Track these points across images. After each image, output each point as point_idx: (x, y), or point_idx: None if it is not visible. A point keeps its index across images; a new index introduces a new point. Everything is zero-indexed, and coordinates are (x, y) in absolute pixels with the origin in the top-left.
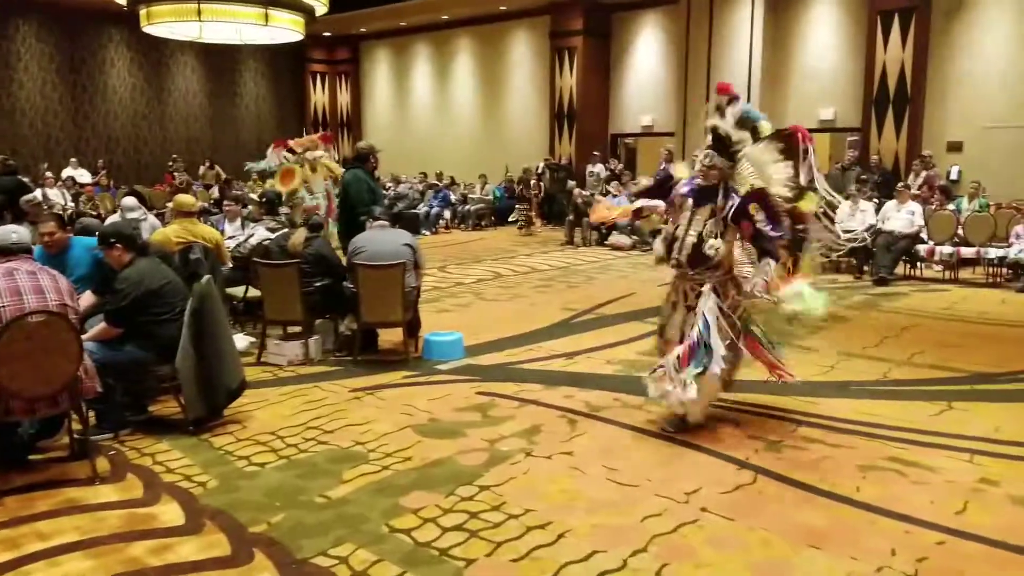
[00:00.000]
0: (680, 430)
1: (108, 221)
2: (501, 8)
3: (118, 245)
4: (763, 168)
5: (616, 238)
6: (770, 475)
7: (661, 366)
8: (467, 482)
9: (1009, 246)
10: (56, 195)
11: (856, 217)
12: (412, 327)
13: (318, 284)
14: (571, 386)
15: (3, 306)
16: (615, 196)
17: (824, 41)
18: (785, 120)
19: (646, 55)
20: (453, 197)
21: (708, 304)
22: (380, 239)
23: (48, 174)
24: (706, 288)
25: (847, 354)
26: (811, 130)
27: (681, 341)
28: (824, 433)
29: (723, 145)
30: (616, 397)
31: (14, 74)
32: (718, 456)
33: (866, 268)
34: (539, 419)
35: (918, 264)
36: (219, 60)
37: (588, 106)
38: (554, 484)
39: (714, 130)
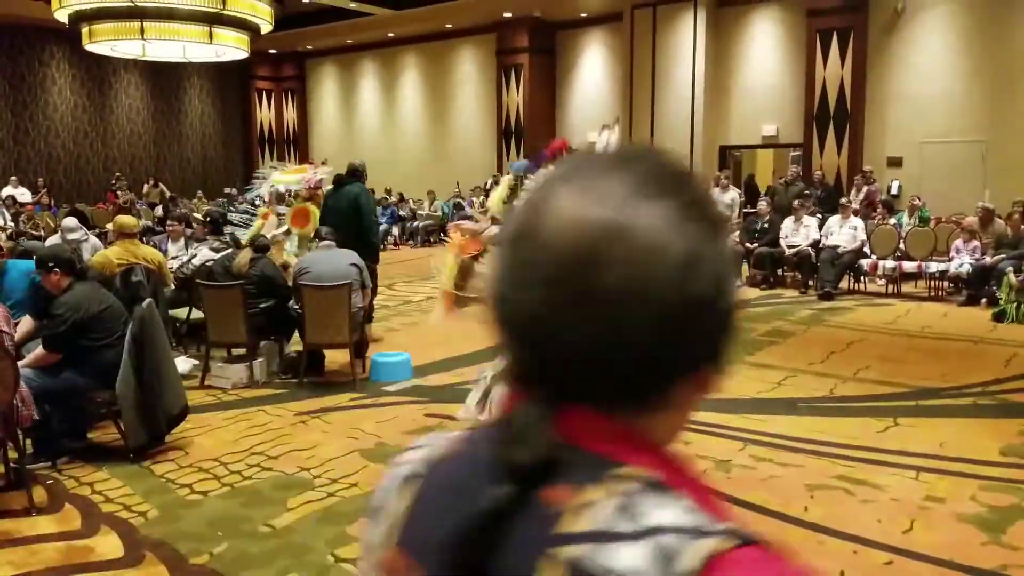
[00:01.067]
0: None
1: (48, 241)
2: (447, 26)
3: (56, 269)
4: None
5: None
6: (719, 496)
7: None
8: None
9: (950, 260)
10: None
11: (800, 232)
12: (359, 348)
13: (263, 305)
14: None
15: None
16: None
17: (765, 58)
18: (730, 137)
19: (591, 72)
20: (402, 213)
21: None
22: (326, 259)
23: None
24: None
25: (794, 370)
26: (754, 146)
27: None
28: (773, 452)
29: None
30: None
31: None
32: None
33: (811, 283)
34: None
35: (862, 278)
36: (163, 78)
37: (535, 123)
38: None
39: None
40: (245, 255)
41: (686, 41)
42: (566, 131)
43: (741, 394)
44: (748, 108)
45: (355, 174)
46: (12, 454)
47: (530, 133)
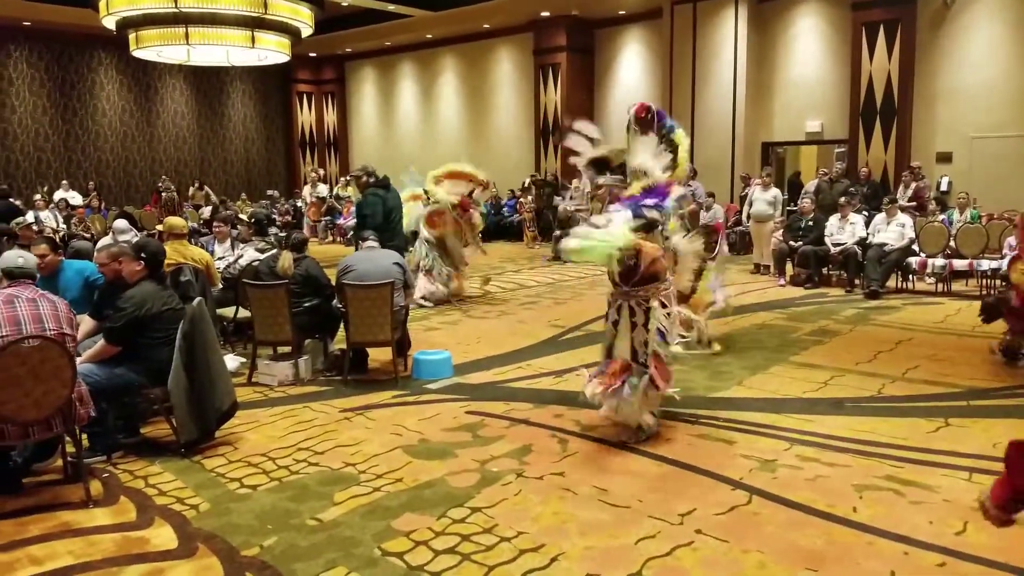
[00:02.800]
0: (643, 440)
1: (100, 243)
2: (484, 26)
3: (143, 260)
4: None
5: None
6: (765, 495)
7: (598, 371)
8: (458, 504)
9: (1002, 258)
10: (48, 217)
11: (846, 230)
12: (401, 346)
13: (307, 304)
14: (561, 405)
15: (2, 336)
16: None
17: (809, 53)
18: (773, 134)
19: (630, 70)
20: None
21: (658, 316)
22: (369, 259)
23: (37, 197)
24: (654, 304)
25: (840, 369)
26: (798, 142)
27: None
28: (819, 451)
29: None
30: (606, 415)
31: (6, 98)
32: (711, 476)
33: (857, 281)
34: (529, 439)
35: (910, 277)
36: (207, 82)
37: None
38: (546, 506)
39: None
40: (288, 256)
41: (727, 37)
42: (605, 130)
43: (786, 394)
44: (791, 104)
45: (384, 183)
46: (70, 448)
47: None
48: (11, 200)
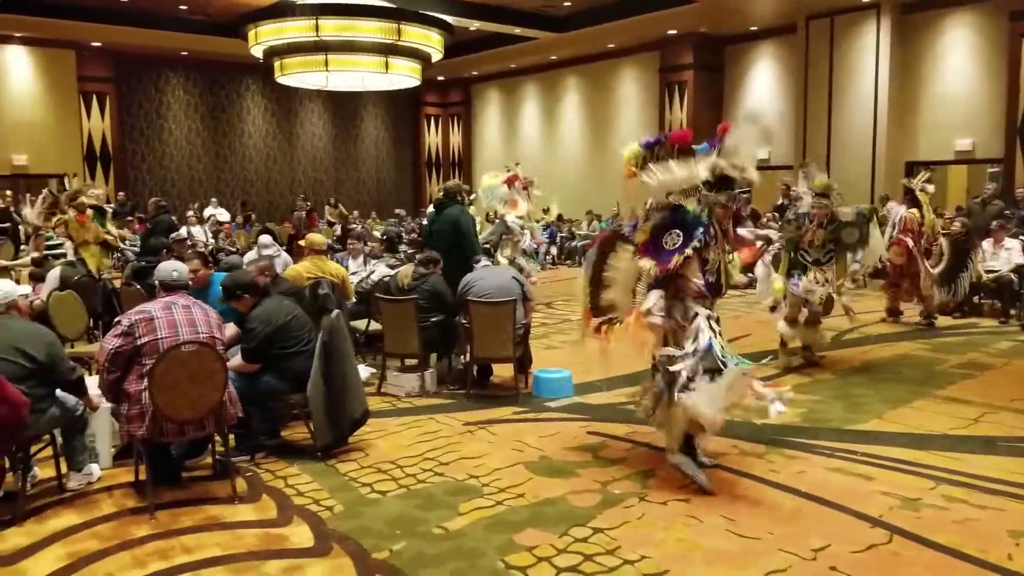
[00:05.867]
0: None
1: (246, 258)
2: (609, 46)
3: (244, 295)
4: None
5: None
6: (907, 536)
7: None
8: (580, 523)
9: None
10: (199, 232)
11: (1000, 256)
12: (522, 363)
13: (434, 320)
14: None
15: (161, 337)
16: None
17: (959, 66)
18: (918, 152)
19: (761, 87)
20: (560, 234)
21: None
22: (488, 276)
23: (189, 213)
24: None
25: (992, 406)
26: (947, 162)
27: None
28: (968, 492)
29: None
30: (734, 444)
31: (164, 122)
32: (848, 512)
33: (1012, 312)
34: (652, 463)
35: None
36: (342, 106)
37: (700, 140)
38: (670, 532)
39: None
40: (407, 269)
41: (868, 51)
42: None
43: (931, 429)
44: (939, 121)
45: (452, 197)
46: (219, 447)
47: None
48: (171, 217)
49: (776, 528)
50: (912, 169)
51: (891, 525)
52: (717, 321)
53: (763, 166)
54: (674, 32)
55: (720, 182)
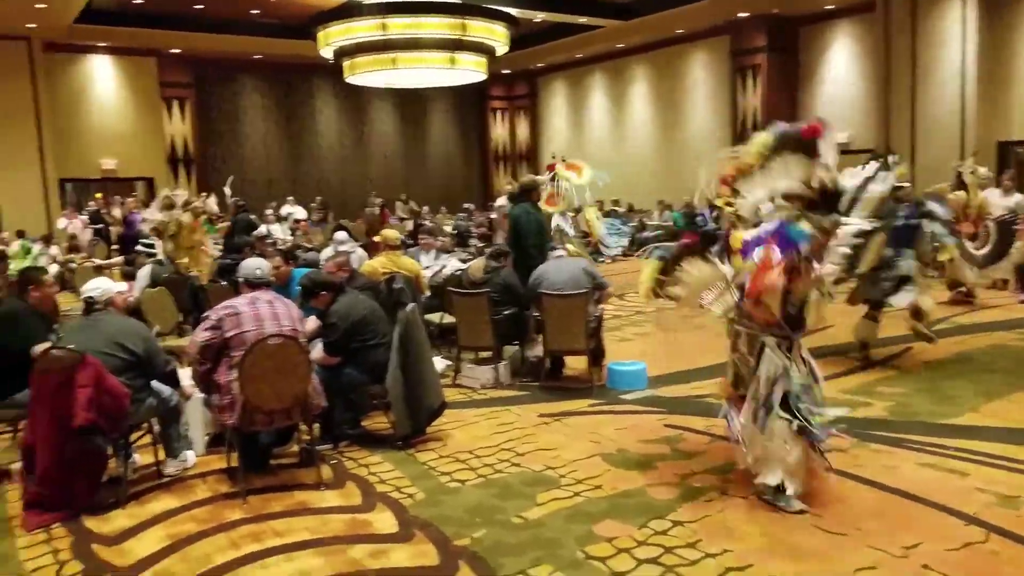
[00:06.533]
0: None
1: (323, 254)
2: (678, 31)
3: (322, 292)
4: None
5: None
6: (1006, 535)
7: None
8: (660, 515)
9: None
10: (277, 230)
11: None
12: (596, 355)
13: (506, 312)
14: None
15: (247, 331)
16: None
17: None
18: (1012, 131)
19: (837, 68)
20: (630, 225)
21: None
22: (561, 268)
23: (268, 212)
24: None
25: None
26: None
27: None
28: None
29: None
30: None
31: (241, 126)
32: (940, 508)
33: None
34: (732, 457)
35: None
36: (410, 103)
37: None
38: (753, 525)
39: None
40: (479, 263)
41: (953, 28)
42: None
43: None
44: None
45: (521, 194)
46: (304, 436)
47: None
48: (250, 215)
49: (864, 524)
50: (1006, 149)
51: (988, 523)
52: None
53: (843, 150)
54: (745, 14)
55: (826, 200)
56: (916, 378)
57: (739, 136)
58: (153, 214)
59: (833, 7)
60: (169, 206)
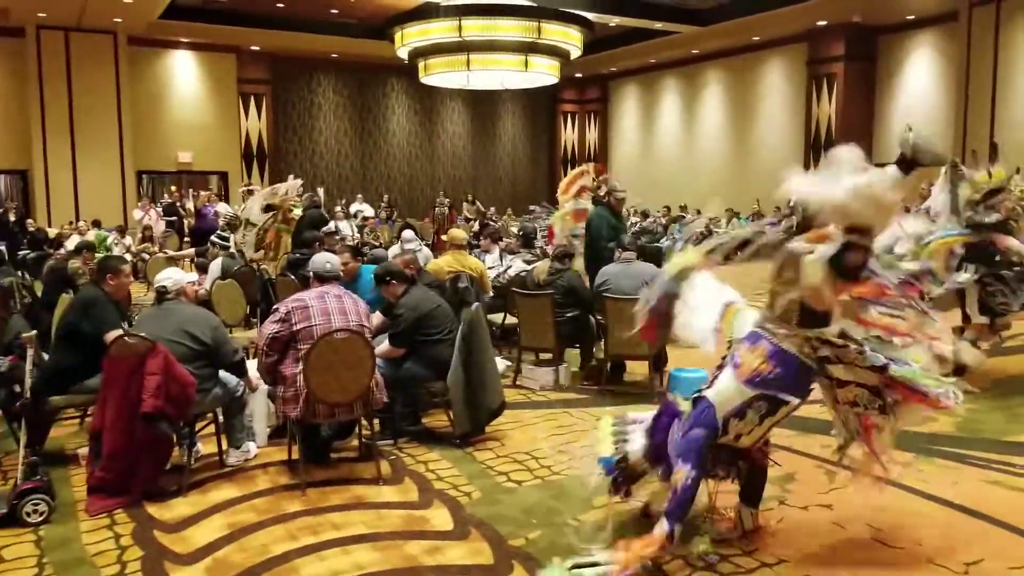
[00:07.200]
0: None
1: (390, 251)
2: (754, 39)
3: (393, 281)
4: None
5: None
6: None
7: None
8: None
9: None
10: (345, 227)
11: None
12: (657, 361)
13: (569, 315)
14: (826, 435)
15: (315, 324)
16: None
17: None
18: None
19: (917, 79)
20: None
21: None
22: (626, 273)
23: (337, 208)
24: None
25: None
26: None
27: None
28: None
29: None
30: None
31: (315, 122)
32: (1005, 527)
33: None
34: (792, 467)
35: None
36: (481, 104)
37: (848, 134)
38: (813, 537)
39: None
40: (543, 265)
41: None
42: (885, 144)
43: None
44: None
45: (596, 200)
46: (365, 431)
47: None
48: (320, 211)
49: (925, 540)
50: None
51: None
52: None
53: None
54: (824, 23)
55: None
56: (985, 394)
57: (812, 145)
58: (256, 205)
59: (914, 17)
60: (268, 207)
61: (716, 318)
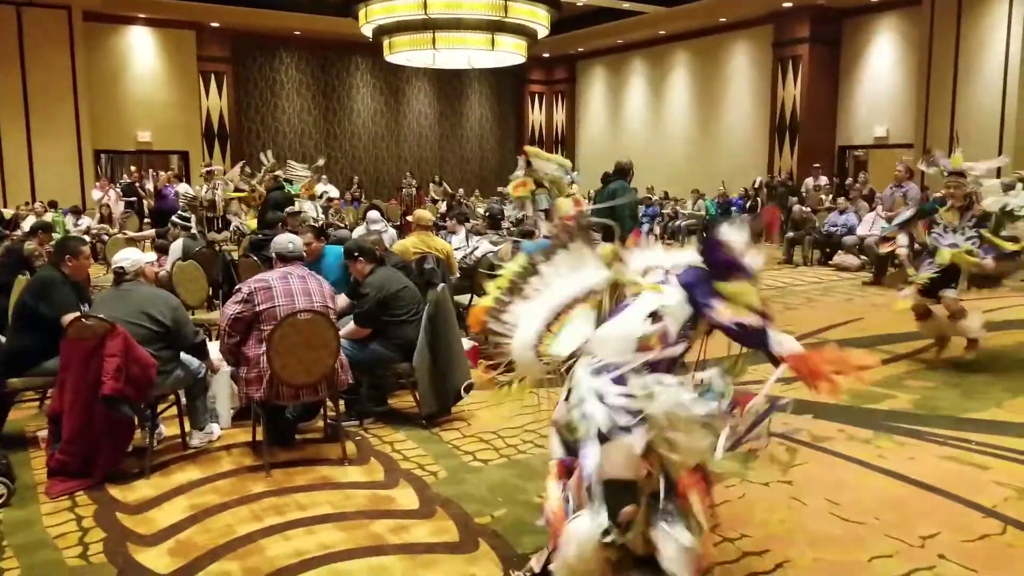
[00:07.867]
0: None
1: (355, 232)
2: (721, 20)
3: (361, 258)
4: None
5: (842, 258)
6: (1022, 528)
7: None
8: None
9: None
10: (310, 208)
11: None
12: None
13: None
14: (791, 413)
15: (279, 305)
16: (841, 212)
17: None
18: None
19: (881, 62)
20: (663, 211)
21: None
22: None
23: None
24: None
25: None
26: None
27: None
28: None
29: None
30: (841, 428)
31: (277, 100)
32: (959, 501)
33: None
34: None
35: None
36: (448, 84)
37: (813, 117)
38: (772, 513)
39: None
40: (507, 246)
41: (997, 26)
42: (848, 126)
43: None
44: None
45: (620, 172)
46: (330, 412)
47: (807, 128)
48: (283, 191)
49: (882, 514)
50: None
51: (1005, 516)
52: None
53: (880, 144)
54: (789, 4)
55: None
56: (944, 372)
57: (777, 127)
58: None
59: (878, 0)
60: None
61: (536, 330)
